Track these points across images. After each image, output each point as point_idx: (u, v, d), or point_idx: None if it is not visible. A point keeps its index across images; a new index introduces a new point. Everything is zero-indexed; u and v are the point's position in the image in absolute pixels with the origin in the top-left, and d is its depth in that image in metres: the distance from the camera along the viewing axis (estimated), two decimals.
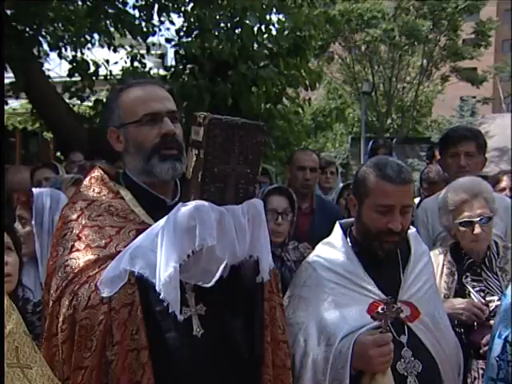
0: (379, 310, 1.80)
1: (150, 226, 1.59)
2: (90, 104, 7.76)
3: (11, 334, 1.27)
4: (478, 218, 2.27)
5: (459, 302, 2.23)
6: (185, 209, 1.41)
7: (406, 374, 1.83)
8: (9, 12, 6.55)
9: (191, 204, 1.42)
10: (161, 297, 1.40)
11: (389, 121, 24.06)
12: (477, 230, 2.26)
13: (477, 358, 2.17)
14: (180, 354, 1.50)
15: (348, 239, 2.03)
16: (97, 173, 1.73)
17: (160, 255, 1.42)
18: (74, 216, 1.63)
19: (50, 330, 1.52)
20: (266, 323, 1.62)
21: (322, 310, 1.89)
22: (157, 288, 1.41)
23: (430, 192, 3.89)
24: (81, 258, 1.54)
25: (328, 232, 2.12)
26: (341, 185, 4.70)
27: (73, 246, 1.57)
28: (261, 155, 1.50)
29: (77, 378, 1.45)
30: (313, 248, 2.17)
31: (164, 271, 1.40)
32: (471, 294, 2.27)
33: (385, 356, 1.74)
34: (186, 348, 1.50)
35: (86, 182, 1.72)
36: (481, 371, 2.15)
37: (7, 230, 2.03)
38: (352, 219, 2.07)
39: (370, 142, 5.21)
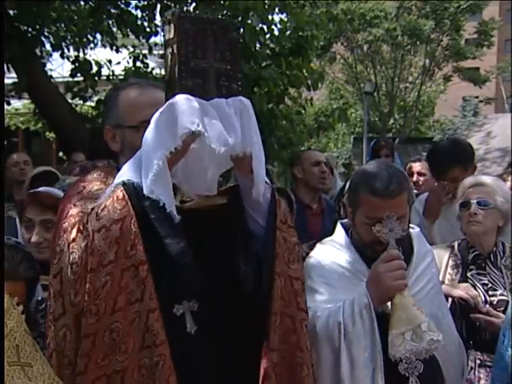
0: (379, 227, 1.77)
1: None
2: (93, 104, 7.76)
3: (12, 332, 1.28)
4: (475, 200, 2.34)
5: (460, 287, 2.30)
6: (164, 106, 1.36)
7: (407, 374, 1.79)
8: (11, 12, 6.56)
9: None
10: (149, 195, 1.34)
11: (391, 121, 24.00)
12: (472, 209, 2.33)
13: (475, 350, 2.22)
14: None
15: (350, 239, 2.02)
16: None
17: (144, 158, 1.37)
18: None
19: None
20: (279, 256, 1.54)
21: (327, 295, 1.89)
22: (145, 191, 1.35)
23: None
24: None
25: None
26: (339, 183, 4.69)
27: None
28: (238, 53, 1.47)
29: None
30: None
31: (150, 171, 1.34)
32: (475, 288, 2.30)
33: (396, 271, 1.71)
34: (182, 341, 1.46)
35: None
36: (478, 361, 2.20)
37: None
38: None
39: (372, 143, 5.20)
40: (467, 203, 2.37)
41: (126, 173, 1.45)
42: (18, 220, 2.67)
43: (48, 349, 1.48)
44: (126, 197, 1.39)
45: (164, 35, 1.41)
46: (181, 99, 1.34)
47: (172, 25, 1.36)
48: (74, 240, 1.42)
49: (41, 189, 2.46)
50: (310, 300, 1.89)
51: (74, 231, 1.42)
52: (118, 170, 1.67)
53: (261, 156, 1.47)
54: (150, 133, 1.38)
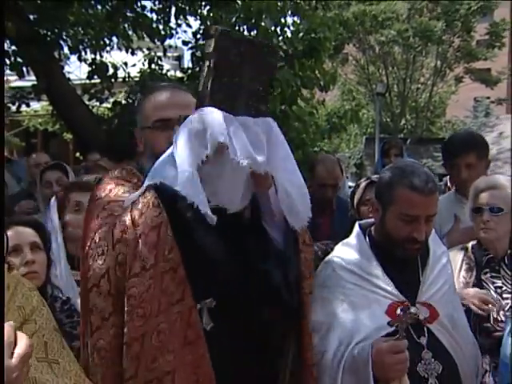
0: (398, 311, 1.82)
1: None
2: (109, 106, 7.86)
3: (41, 329, 1.30)
4: (488, 207, 2.32)
5: (472, 290, 2.26)
6: (193, 115, 1.43)
7: (426, 375, 1.81)
8: (31, 17, 6.68)
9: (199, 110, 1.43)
10: (184, 195, 1.40)
11: (403, 121, 23.93)
12: (485, 216, 2.31)
13: (489, 353, 2.17)
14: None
15: (367, 239, 2.00)
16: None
17: (178, 163, 1.43)
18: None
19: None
20: (305, 275, 1.67)
21: (341, 311, 1.88)
22: (180, 191, 1.40)
23: None
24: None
25: (348, 232, 2.13)
26: (348, 183, 4.62)
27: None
28: (273, 78, 1.54)
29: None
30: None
31: (182, 175, 1.41)
32: (490, 291, 2.28)
33: (401, 363, 1.70)
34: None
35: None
36: (493, 364, 2.16)
37: (37, 228, 2.12)
38: (371, 220, 2.06)
39: (381, 143, 5.21)
40: (479, 209, 2.33)
41: (156, 174, 1.51)
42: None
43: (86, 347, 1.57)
44: (160, 204, 1.48)
45: (204, 48, 1.47)
46: (210, 111, 1.41)
47: (213, 40, 1.40)
48: (118, 241, 1.49)
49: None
50: (321, 309, 1.88)
51: (116, 233, 1.50)
52: (140, 169, 1.77)
53: (292, 187, 1.51)
54: (180, 139, 1.44)
